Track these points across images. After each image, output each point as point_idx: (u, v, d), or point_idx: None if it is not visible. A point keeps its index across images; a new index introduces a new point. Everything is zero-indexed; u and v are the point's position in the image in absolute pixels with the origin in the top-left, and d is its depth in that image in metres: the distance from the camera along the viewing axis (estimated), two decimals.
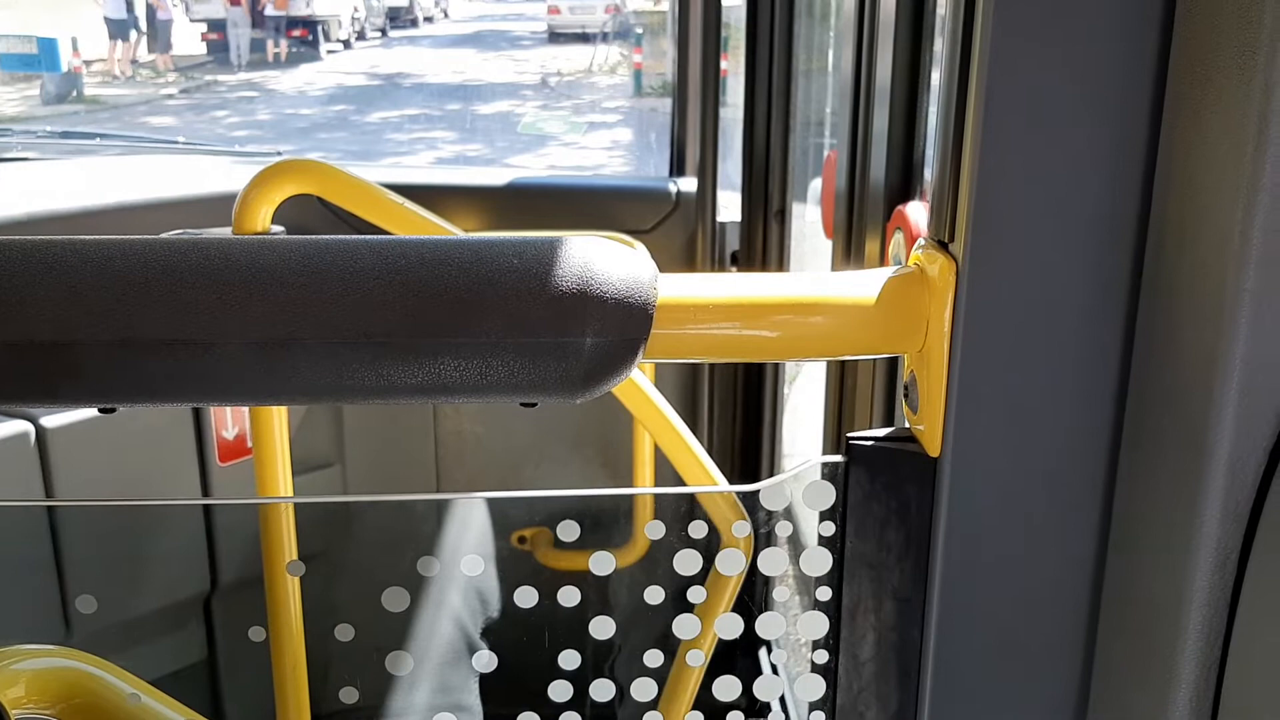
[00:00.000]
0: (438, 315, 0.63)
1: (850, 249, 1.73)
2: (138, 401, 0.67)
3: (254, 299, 0.63)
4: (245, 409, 2.22)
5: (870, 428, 0.77)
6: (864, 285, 0.71)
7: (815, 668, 0.80)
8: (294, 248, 0.65)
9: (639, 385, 1.61)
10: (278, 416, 1.66)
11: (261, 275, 0.64)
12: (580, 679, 0.81)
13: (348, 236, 0.67)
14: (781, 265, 2.43)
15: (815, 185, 2.26)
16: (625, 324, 0.65)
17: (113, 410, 0.69)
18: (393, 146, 13.20)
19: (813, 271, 2.22)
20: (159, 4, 17.63)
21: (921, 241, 0.73)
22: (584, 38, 19.48)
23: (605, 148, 12.81)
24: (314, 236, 0.66)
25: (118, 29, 17.25)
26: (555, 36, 20.64)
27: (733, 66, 2.72)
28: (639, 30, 16.69)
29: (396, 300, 0.63)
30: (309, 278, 0.64)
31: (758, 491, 0.76)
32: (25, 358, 0.63)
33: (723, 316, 0.70)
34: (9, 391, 0.65)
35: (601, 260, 0.65)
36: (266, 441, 1.66)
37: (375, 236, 0.67)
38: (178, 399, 0.67)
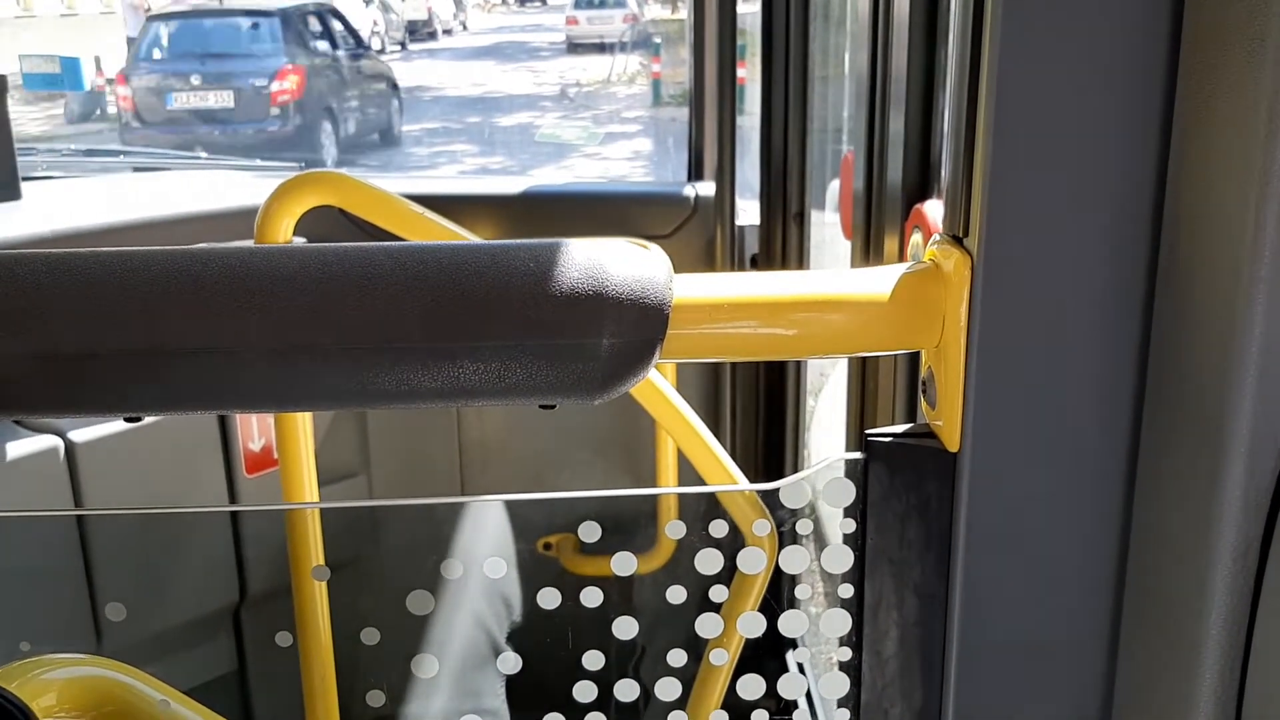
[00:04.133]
0: (456, 319, 0.64)
1: (869, 249, 1.73)
2: (162, 410, 0.68)
3: (275, 307, 0.64)
4: (271, 420, 2.23)
5: (892, 424, 0.77)
6: (880, 282, 0.71)
7: (839, 665, 0.80)
8: (313, 255, 0.66)
9: (659, 388, 1.62)
10: (303, 427, 1.67)
11: (282, 283, 0.64)
12: (605, 680, 0.82)
13: (366, 244, 0.67)
14: (801, 267, 2.43)
15: (833, 188, 2.27)
16: (642, 324, 0.66)
17: (138, 419, 0.69)
18: (414, 160, 13.24)
19: (828, 269, 2.21)
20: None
21: (937, 237, 0.73)
22: (602, 48, 19.51)
23: (626, 158, 12.82)
24: (333, 244, 0.67)
25: None
26: (574, 47, 20.67)
27: (750, 74, 2.73)
28: (657, 39, 16.70)
29: (415, 305, 0.64)
30: (329, 285, 0.64)
31: (778, 490, 0.76)
32: (52, 368, 0.64)
33: (739, 315, 0.70)
34: (36, 402, 0.67)
35: (617, 262, 0.66)
36: (292, 452, 1.67)
37: (393, 244, 0.68)
38: (201, 407, 0.68)
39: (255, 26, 11.36)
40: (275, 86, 10.63)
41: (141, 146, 10.08)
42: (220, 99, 10.51)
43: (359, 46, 12.77)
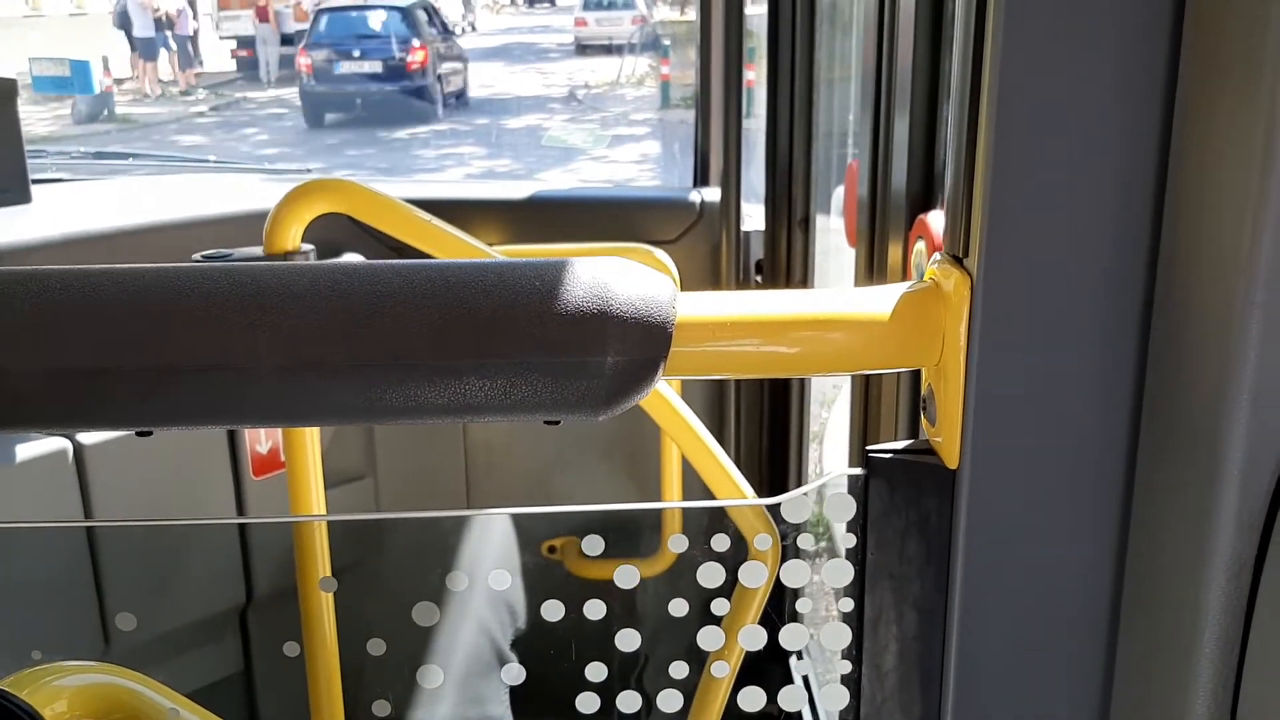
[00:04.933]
0: (462, 337, 0.65)
1: (873, 257, 1.73)
2: (172, 425, 0.69)
3: (285, 324, 0.65)
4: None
5: (894, 440, 0.78)
6: (880, 301, 0.72)
7: (840, 678, 0.81)
8: (323, 273, 0.67)
9: (666, 398, 1.62)
10: (310, 431, 1.69)
11: (292, 301, 0.65)
12: (607, 690, 0.83)
13: (375, 261, 0.68)
14: (806, 273, 2.43)
15: (838, 194, 2.27)
16: (645, 343, 0.67)
17: (149, 433, 0.71)
18: (421, 163, 13.26)
19: (830, 288, 2.22)
20: (178, 21, 17.85)
21: (937, 256, 0.74)
22: (611, 50, 19.51)
23: (634, 161, 12.83)
24: (342, 262, 0.68)
25: (146, 48, 17.42)
26: (582, 49, 20.69)
27: (759, 78, 2.73)
28: (666, 41, 16.70)
29: (422, 323, 0.65)
30: (338, 302, 0.66)
31: (779, 504, 0.77)
32: (64, 384, 0.65)
33: (742, 333, 0.71)
34: (48, 417, 0.68)
35: (621, 281, 0.67)
36: (299, 456, 1.68)
37: (401, 261, 0.69)
38: (211, 422, 0.69)
39: (389, 16, 16.09)
40: (410, 58, 15.56)
41: (322, 101, 15.40)
42: (373, 67, 15.44)
43: (446, 32, 17.38)
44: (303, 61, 15.62)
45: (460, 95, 16.80)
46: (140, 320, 0.65)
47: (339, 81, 15.48)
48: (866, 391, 1.80)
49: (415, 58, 15.48)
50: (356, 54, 15.35)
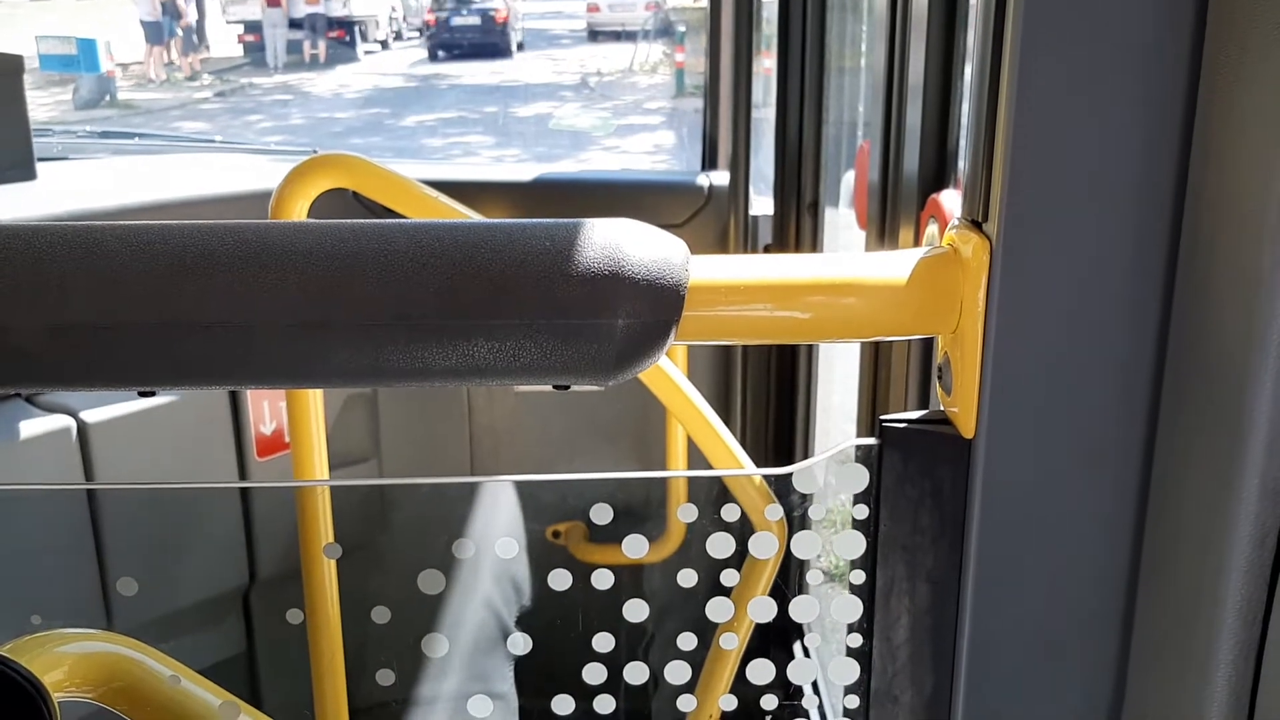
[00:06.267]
0: (471, 297, 0.64)
1: (884, 239, 1.72)
2: (176, 385, 0.68)
3: (290, 282, 0.64)
4: (282, 405, 2.24)
5: (904, 410, 0.77)
6: (897, 266, 0.71)
7: (849, 651, 0.79)
8: (329, 231, 0.66)
9: (670, 375, 1.61)
10: (314, 410, 1.68)
11: (298, 258, 0.64)
12: (614, 662, 0.82)
13: (383, 220, 0.67)
14: None
15: (847, 180, 2.26)
16: (657, 305, 0.65)
17: (152, 393, 0.69)
18: (428, 151, 13.25)
19: (846, 252, 2.20)
20: (183, 8, 17.87)
21: (955, 221, 0.72)
22: (624, 36, 19.49)
23: (647, 151, 12.80)
24: (349, 220, 0.67)
25: (152, 32, 17.42)
26: (595, 35, 20.73)
27: (772, 65, 2.71)
28: (681, 28, 16.65)
29: (430, 282, 0.64)
30: (344, 260, 0.64)
31: (790, 475, 0.76)
32: (66, 340, 0.64)
33: (755, 298, 0.70)
34: (50, 374, 0.66)
35: (633, 242, 0.66)
36: (303, 433, 1.67)
37: (410, 221, 0.68)
38: (215, 382, 0.68)
39: None
40: (497, 15, 21.66)
41: (439, 44, 21.93)
42: (474, 20, 21.63)
43: None
44: (428, 17, 22.74)
45: (521, 45, 23.04)
46: (142, 276, 0.63)
47: (452, 31, 21.99)
48: (875, 362, 1.79)
49: (501, 14, 21.96)
50: (465, 13, 21.86)
